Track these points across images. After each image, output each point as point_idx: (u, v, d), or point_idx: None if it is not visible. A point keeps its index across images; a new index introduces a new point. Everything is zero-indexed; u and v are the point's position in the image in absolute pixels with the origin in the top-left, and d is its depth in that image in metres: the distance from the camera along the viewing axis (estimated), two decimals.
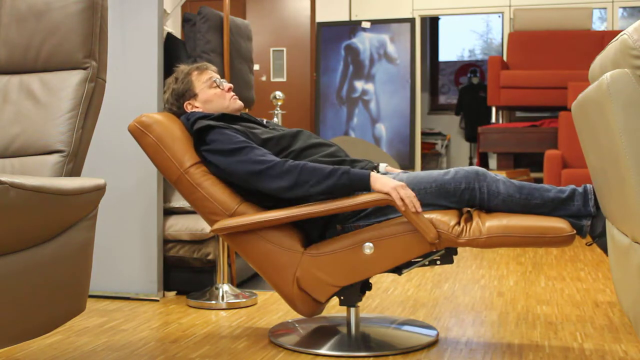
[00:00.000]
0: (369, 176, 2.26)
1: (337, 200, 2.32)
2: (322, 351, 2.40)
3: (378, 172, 2.56)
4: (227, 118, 2.59)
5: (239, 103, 2.72)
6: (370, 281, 2.59)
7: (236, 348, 2.47)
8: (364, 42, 7.62)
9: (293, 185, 2.30)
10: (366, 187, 2.26)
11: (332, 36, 7.69)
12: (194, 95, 2.68)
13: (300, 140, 2.55)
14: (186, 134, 2.56)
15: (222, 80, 2.73)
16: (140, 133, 2.51)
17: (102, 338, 2.59)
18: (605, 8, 7.55)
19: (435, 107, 10.81)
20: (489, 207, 2.39)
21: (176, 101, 2.69)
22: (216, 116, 2.56)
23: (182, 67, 2.76)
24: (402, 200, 2.22)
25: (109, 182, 2.92)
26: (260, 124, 2.70)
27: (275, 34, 7.49)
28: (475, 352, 2.41)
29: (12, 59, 2.12)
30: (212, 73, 2.73)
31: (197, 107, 2.67)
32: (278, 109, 3.81)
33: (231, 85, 2.74)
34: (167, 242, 3.31)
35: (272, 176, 2.31)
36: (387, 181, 2.26)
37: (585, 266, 4.01)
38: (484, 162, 8.71)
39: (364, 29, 7.63)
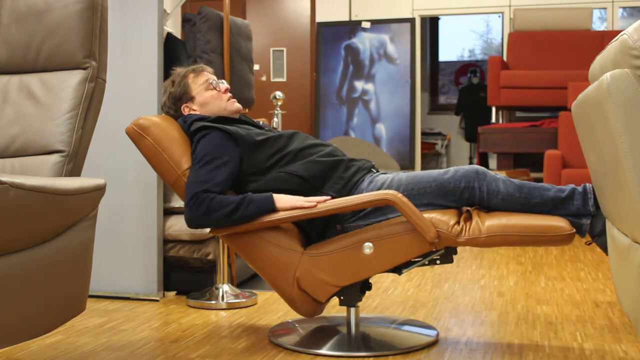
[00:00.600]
0: (271, 198, 2.35)
1: (337, 200, 2.33)
2: (322, 351, 2.40)
3: (377, 171, 2.57)
4: (223, 120, 2.59)
5: (237, 105, 2.71)
6: (370, 281, 2.59)
7: (236, 348, 2.47)
8: (364, 42, 7.63)
9: (199, 220, 2.35)
10: (271, 209, 2.35)
11: (332, 36, 7.70)
12: (191, 98, 2.67)
13: (296, 141, 2.55)
14: (184, 137, 2.56)
15: (219, 81, 2.73)
16: (137, 135, 2.51)
17: (102, 338, 2.59)
18: (605, 8, 7.55)
19: (435, 107, 10.82)
20: (489, 206, 2.39)
21: (173, 104, 2.69)
22: (213, 118, 2.56)
23: (179, 70, 2.76)
24: (310, 202, 2.33)
25: (109, 182, 2.92)
26: (257, 126, 2.69)
27: (275, 34, 7.49)
28: (475, 352, 2.41)
29: (12, 59, 2.12)
30: (208, 75, 2.72)
31: (195, 110, 2.67)
32: (278, 109, 3.81)
33: (228, 86, 2.73)
34: (167, 242, 3.31)
35: (192, 203, 2.35)
36: (287, 199, 2.36)
37: (585, 266, 4.01)
38: (484, 162, 8.71)
39: (364, 29, 7.63)
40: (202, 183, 2.36)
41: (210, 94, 2.67)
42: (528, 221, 2.28)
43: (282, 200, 2.35)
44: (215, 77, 2.74)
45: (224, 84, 2.72)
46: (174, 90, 2.69)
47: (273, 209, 2.34)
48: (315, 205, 2.32)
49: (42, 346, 2.48)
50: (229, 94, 2.71)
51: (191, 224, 2.37)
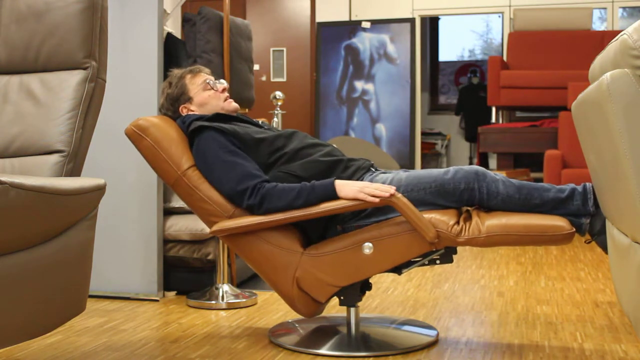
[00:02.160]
0: (333, 186, 2.30)
1: (337, 200, 2.33)
2: (322, 351, 2.40)
3: (377, 170, 2.56)
4: (221, 118, 2.59)
5: (234, 105, 2.72)
6: (370, 281, 2.59)
7: (236, 348, 2.47)
8: (364, 42, 7.63)
9: (265, 211, 2.34)
10: (333, 196, 2.30)
11: (332, 36, 7.69)
12: (189, 99, 2.68)
13: (295, 141, 2.55)
14: (183, 137, 2.56)
15: (216, 80, 2.73)
16: (137, 136, 2.51)
17: (102, 338, 2.59)
18: (605, 8, 7.55)
19: (435, 107, 10.82)
20: (489, 207, 2.39)
21: (171, 106, 2.69)
22: (210, 117, 2.56)
23: (176, 71, 2.76)
24: (373, 195, 2.26)
25: (109, 182, 2.92)
26: (256, 125, 2.69)
27: (275, 34, 7.49)
28: (475, 352, 2.41)
29: (12, 59, 2.12)
30: (205, 75, 2.73)
31: (193, 111, 2.67)
32: (278, 109, 3.81)
33: (226, 85, 2.73)
34: (167, 242, 3.31)
35: (254, 195, 2.34)
36: (350, 186, 2.30)
37: (585, 266, 4.01)
38: (484, 162, 8.71)
39: (364, 29, 7.63)
40: (250, 176, 2.36)
41: (208, 94, 2.68)
42: (528, 221, 2.28)
43: (345, 189, 2.30)
44: (212, 77, 2.74)
45: (222, 83, 2.72)
46: (171, 91, 2.69)
47: (335, 197, 2.31)
48: (380, 200, 2.26)
49: (42, 346, 2.48)
50: (227, 94, 2.72)
51: (257, 214, 2.36)
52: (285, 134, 2.57)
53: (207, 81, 2.70)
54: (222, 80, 2.75)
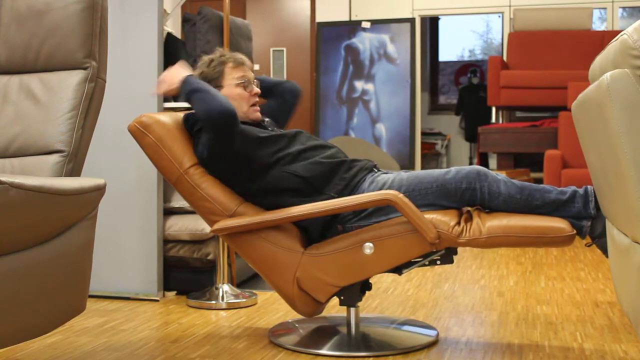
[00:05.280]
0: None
1: (338, 199, 2.33)
2: (322, 351, 2.40)
3: (378, 170, 2.56)
4: None
5: (256, 115, 2.66)
6: (370, 281, 2.59)
7: (236, 348, 2.47)
8: (364, 42, 7.62)
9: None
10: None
11: (332, 36, 7.69)
12: (219, 87, 2.62)
13: (298, 142, 2.54)
14: (186, 135, 2.56)
15: (253, 82, 2.68)
16: (140, 133, 2.51)
17: (102, 338, 2.59)
18: (605, 8, 7.55)
19: (435, 107, 10.81)
20: (490, 207, 2.39)
21: None
22: None
23: (220, 51, 2.70)
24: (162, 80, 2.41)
25: (109, 182, 2.92)
26: (260, 126, 2.68)
27: (275, 34, 7.49)
28: (475, 352, 2.41)
29: (12, 59, 2.12)
30: (245, 72, 2.66)
31: None
32: None
33: (258, 90, 2.68)
34: (167, 242, 3.31)
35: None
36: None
37: (585, 266, 4.01)
38: (484, 162, 8.71)
39: (364, 29, 7.63)
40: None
41: (238, 91, 2.63)
42: (528, 222, 2.28)
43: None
44: (252, 77, 2.69)
45: (256, 88, 2.68)
46: (208, 71, 2.64)
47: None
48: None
49: (42, 346, 2.48)
50: (256, 99, 2.66)
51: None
52: (289, 134, 2.56)
53: (244, 80, 2.64)
54: (255, 84, 2.70)
